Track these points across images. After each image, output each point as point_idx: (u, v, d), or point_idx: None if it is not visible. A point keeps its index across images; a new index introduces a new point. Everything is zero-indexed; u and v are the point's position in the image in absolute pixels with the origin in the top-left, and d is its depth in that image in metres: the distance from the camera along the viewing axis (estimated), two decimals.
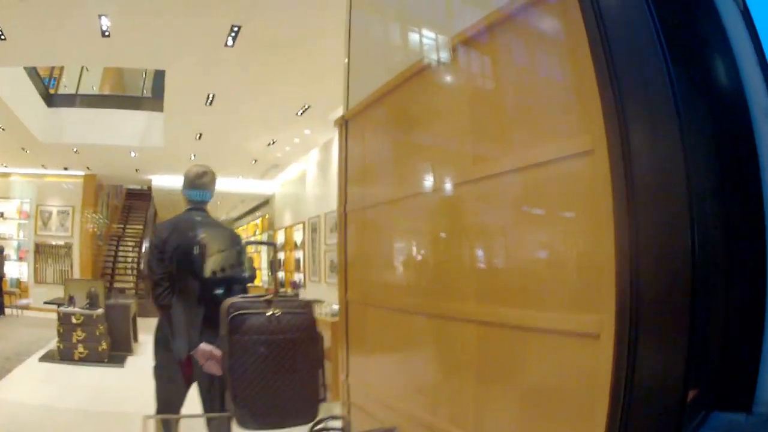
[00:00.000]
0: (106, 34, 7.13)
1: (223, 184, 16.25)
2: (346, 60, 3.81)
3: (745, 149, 1.62)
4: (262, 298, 2.72)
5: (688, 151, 1.50)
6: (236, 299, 2.70)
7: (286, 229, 16.95)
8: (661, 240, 1.54)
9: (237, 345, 2.60)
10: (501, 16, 2.22)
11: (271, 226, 19.65)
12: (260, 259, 20.13)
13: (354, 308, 3.65)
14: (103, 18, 6.81)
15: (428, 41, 2.86)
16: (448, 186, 2.60)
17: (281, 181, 18.05)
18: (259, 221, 22.29)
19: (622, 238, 1.56)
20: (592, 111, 1.66)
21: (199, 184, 4.18)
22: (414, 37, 3.11)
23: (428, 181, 2.75)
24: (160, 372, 4.03)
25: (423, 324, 2.81)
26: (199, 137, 12.53)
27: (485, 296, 2.30)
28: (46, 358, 9.98)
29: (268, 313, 2.64)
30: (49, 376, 8.93)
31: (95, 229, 19.11)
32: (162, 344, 4.02)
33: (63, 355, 9.86)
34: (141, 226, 22.54)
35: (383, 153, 3.33)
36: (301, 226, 15.22)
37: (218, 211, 24.06)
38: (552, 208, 1.99)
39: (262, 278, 18.57)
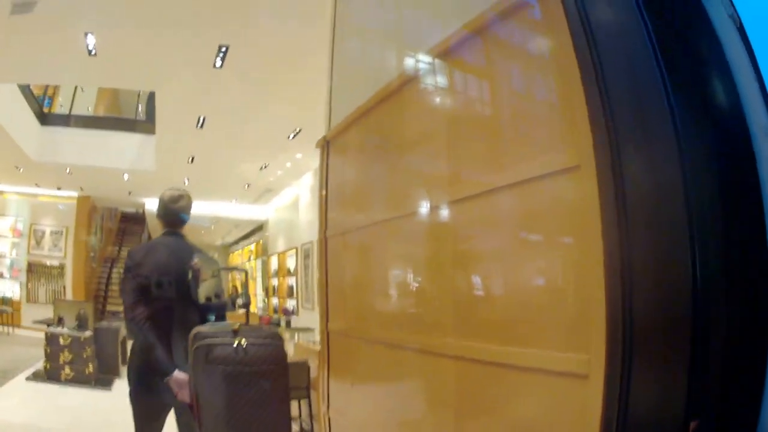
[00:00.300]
0: (93, 53, 7.02)
1: (216, 209, 16.11)
2: (329, 79, 3.68)
3: (746, 168, 1.44)
4: (229, 327, 2.59)
5: (686, 168, 1.32)
6: (203, 328, 2.63)
7: (279, 255, 16.79)
8: (657, 267, 1.35)
9: (202, 375, 2.48)
10: (480, 27, 2.05)
11: (265, 252, 19.50)
12: (255, 285, 20.05)
13: (335, 339, 3.48)
14: (89, 36, 6.71)
15: (408, 58, 2.69)
16: (427, 209, 2.42)
17: (275, 206, 17.90)
18: (253, 247, 22.19)
19: (612, 266, 1.37)
20: (578, 123, 1.47)
21: (175, 207, 4.04)
22: (395, 54, 2.96)
23: (406, 205, 2.58)
24: (134, 397, 3.88)
25: (402, 357, 2.62)
26: (192, 160, 12.40)
27: (464, 330, 2.10)
28: (33, 377, 9.84)
29: (234, 344, 2.49)
30: (35, 395, 8.80)
31: (89, 251, 18.99)
32: (136, 369, 3.88)
33: (50, 375, 9.71)
34: None
35: (363, 174, 3.19)
36: (293, 252, 15.06)
37: (213, 235, 24.01)
38: (535, 232, 1.80)
39: (257, 305, 18.51)
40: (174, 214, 4.03)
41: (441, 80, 2.38)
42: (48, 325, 10.27)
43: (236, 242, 25.30)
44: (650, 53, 1.44)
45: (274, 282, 17.21)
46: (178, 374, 3.53)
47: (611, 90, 1.41)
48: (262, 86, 8.04)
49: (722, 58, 1.50)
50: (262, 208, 18.57)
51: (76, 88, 14.13)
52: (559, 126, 1.66)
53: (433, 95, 2.47)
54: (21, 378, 9.77)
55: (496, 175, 1.93)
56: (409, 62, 2.70)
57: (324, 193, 3.62)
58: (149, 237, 22.04)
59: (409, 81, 2.59)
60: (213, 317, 3.68)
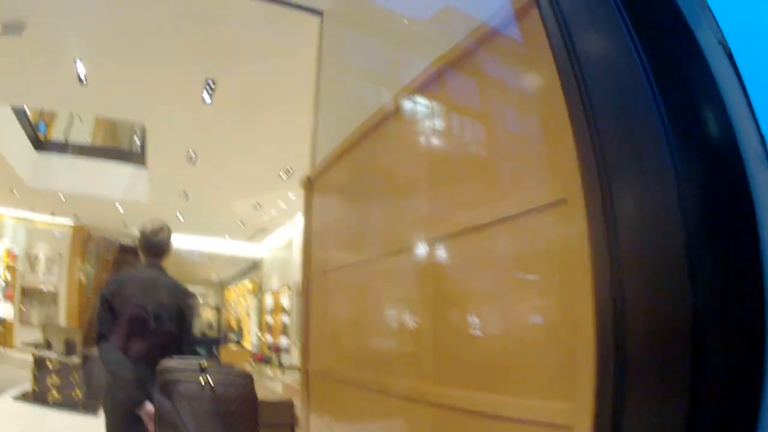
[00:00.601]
0: (83, 81, 6.90)
1: (212, 245, 15.88)
2: (313, 118, 3.60)
3: (741, 196, 1.29)
4: (197, 364, 2.44)
5: (681, 198, 1.17)
6: (170, 362, 2.50)
7: (273, 293, 16.63)
8: (653, 306, 1.19)
9: (165, 411, 2.34)
10: (460, 59, 1.91)
11: (260, 290, 19.31)
12: (249, 321, 19.89)
13: (315, 380, 3.31)
14: (79, 63, 6.63)
15: (387, 94, 2.55)
16: (407, 249, 2.26)
17: (270, 246, 17.73)
18: (249, 284, 22.01)
19: (602, 307, 1.21)
20: (563, 153, 1.33)
21: (156, 240, 3.93)
22: (375, 91, 2.84)
23: (385, 244, 2.42)
24: (110, 429, 3.72)
25: (380, 402, 2.44)
26: (184, 195, 12.19)
27: (442, 375, 1.93)
28: (21, 398, 9.67)
29: (201, 381, 2.33)
30: (21, 415, 8.74)
31: (84, 280, 18.75)
32: (111, 399, 3.70)
33: (37, 397, 9.58)
34: None
35: (344, 213, 3.07)
36: (288, 290, 14.91)
37: (209, 271, 23.76)
38: (520, 271, 1.64)
39: (252, 340, 18.33)
40: (154, 245, 3.92)
41: (420, 116, 2.25)
42: (36, 347, 10.19)
43: (232, 279, 25.07)
44: (641, 80, 1.31)
45: (269, 319, 17.06)
46: (149, 406, 3.39)
47: (599, 118, 1.27)
48: (252, 123, 7.88)
49: (714, 84, 1.36)
50: (258, 246, 18.38)
51: (72, 115, 13.97)
52: (544, 158, 1.52)
53: (413, 131, 2.33)
54: (8, 397, 9.64)
55: (477, 212, 1.78)
56: (387, 98, 2.56)
57: (307, 231, 3.50)
58: None
59: (387, 117, 2.46)
60: (203, 350, 3.56)
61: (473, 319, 1.87)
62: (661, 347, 1.19)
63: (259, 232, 16.35)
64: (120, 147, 14.44)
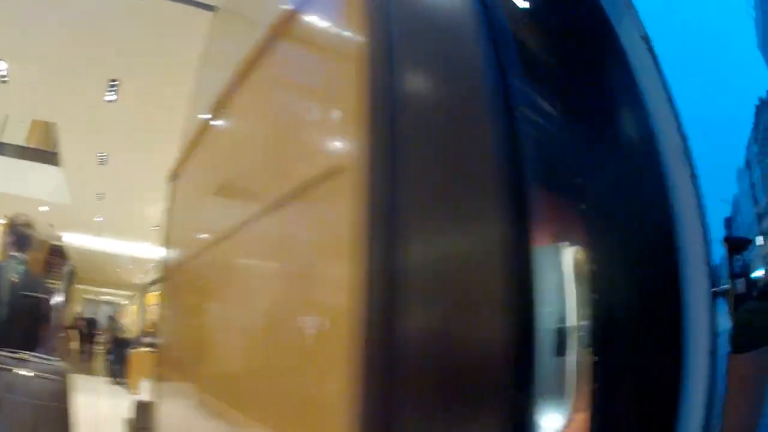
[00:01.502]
0: (5, 79, 6.28)
1: (132, 249, 14.77)
2: (188, 110, 3.11)
3: (657, 192, 1.07)
4: (17, 356, 2.36)
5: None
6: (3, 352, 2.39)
7: None
8: (449, 336, 0.72)
9: None
10: (278, 26, 1.45)
11: None
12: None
13: (163, 385, 2.79)
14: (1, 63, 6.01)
15: (222, 82, 2.07)
16: (214, 245, 1.78)
17: None
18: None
19: (371, 329, 0.73)
20: (352, 118, 0.86)
21: (17, 232, 3.55)
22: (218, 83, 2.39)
23: (207, 241, 1.93)
24: None
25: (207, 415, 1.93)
26: (101, 198, 11.29)
27: (232, 395, 1.42)
28: None
29: (20, 372, 2.30)
30: None
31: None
32: None
33: None
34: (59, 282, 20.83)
35: (188, 207, 2.59)
36: None
37: (131, 274, 22.60)
38: (291, 268, 1.13)
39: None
40: (20, 236, 3.56)
41: (241, 100, 1.76)
42: None
43: (153, 283, 23.93)
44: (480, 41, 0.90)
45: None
46: None
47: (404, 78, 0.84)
48: (157, 125, 7.06)
49: (629, 75, 1.20)
50: None
51: (7, 116, 12.93)
52: (333, 127, 1.04)
53: (233, 116, 1.85)
54: None
55: (266, 194, 1.29)
56: (220, 86, 2.06)
57: (168, 227, 2.98)
58: (71, 271, 20.58)
59: (220, 102, 1.98)
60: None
61: (245, 328, 1.36)
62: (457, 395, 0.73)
63: None
64: (49, 149, 13.36)
